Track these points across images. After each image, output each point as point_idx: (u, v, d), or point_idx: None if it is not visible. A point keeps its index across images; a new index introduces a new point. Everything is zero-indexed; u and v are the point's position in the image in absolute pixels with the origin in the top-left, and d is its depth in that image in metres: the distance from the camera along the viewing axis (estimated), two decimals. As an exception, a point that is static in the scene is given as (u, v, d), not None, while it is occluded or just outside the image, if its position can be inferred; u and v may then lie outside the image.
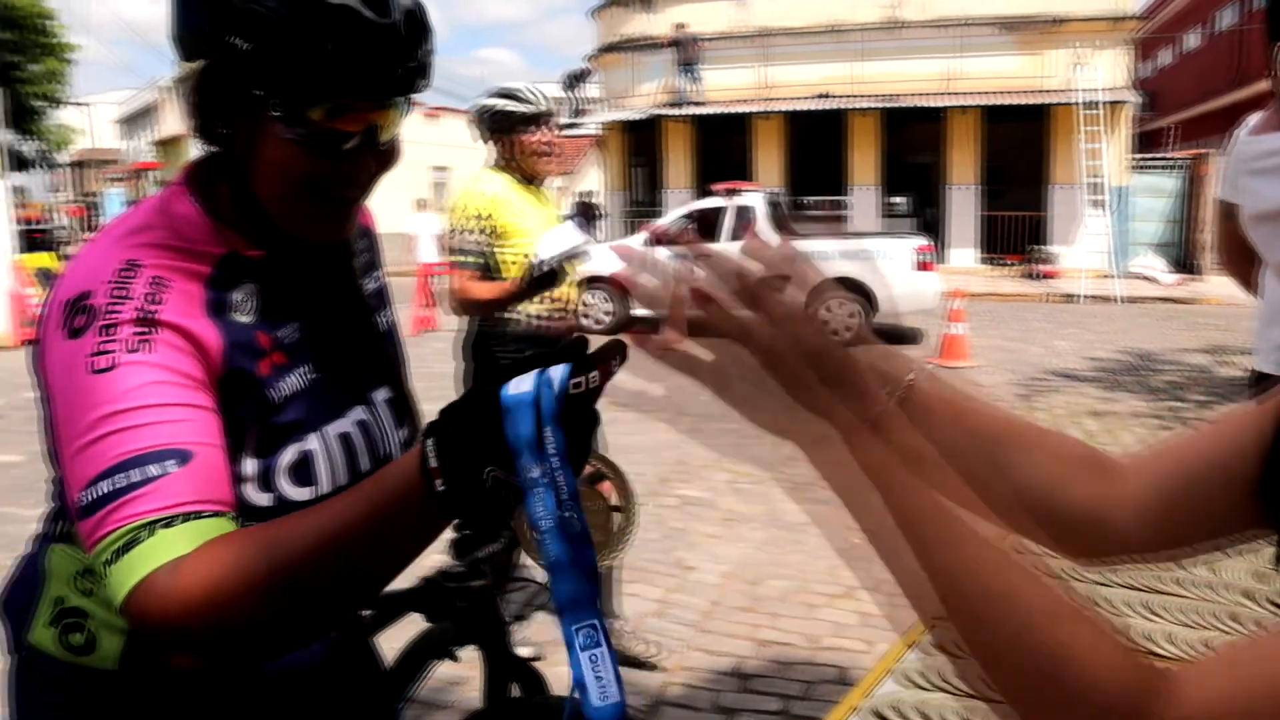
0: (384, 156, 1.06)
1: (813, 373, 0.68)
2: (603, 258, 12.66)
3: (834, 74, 19.80)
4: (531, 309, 3.20)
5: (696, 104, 20.19)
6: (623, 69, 21.86)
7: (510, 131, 3.18)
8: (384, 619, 1.40)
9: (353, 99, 0.98)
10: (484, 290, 3.10)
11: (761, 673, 3.47)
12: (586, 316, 12.44)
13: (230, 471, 0.94)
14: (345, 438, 1.11)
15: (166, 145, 44.90)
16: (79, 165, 60.18)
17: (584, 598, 0.77)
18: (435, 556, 1.53)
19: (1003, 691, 0.61)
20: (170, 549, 0.82)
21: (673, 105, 20.24)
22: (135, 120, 54.15)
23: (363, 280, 1.24)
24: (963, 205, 19.99)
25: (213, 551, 0.83)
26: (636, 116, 20.76)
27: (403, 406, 1.21)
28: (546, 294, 3.13)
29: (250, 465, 1.03)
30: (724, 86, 20.32)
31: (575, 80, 22.37)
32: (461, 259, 3.14)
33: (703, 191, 17.30)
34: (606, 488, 1.04)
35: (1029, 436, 0.86)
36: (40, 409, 0.96)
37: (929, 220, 20.38)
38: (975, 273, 18.76)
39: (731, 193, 12.58)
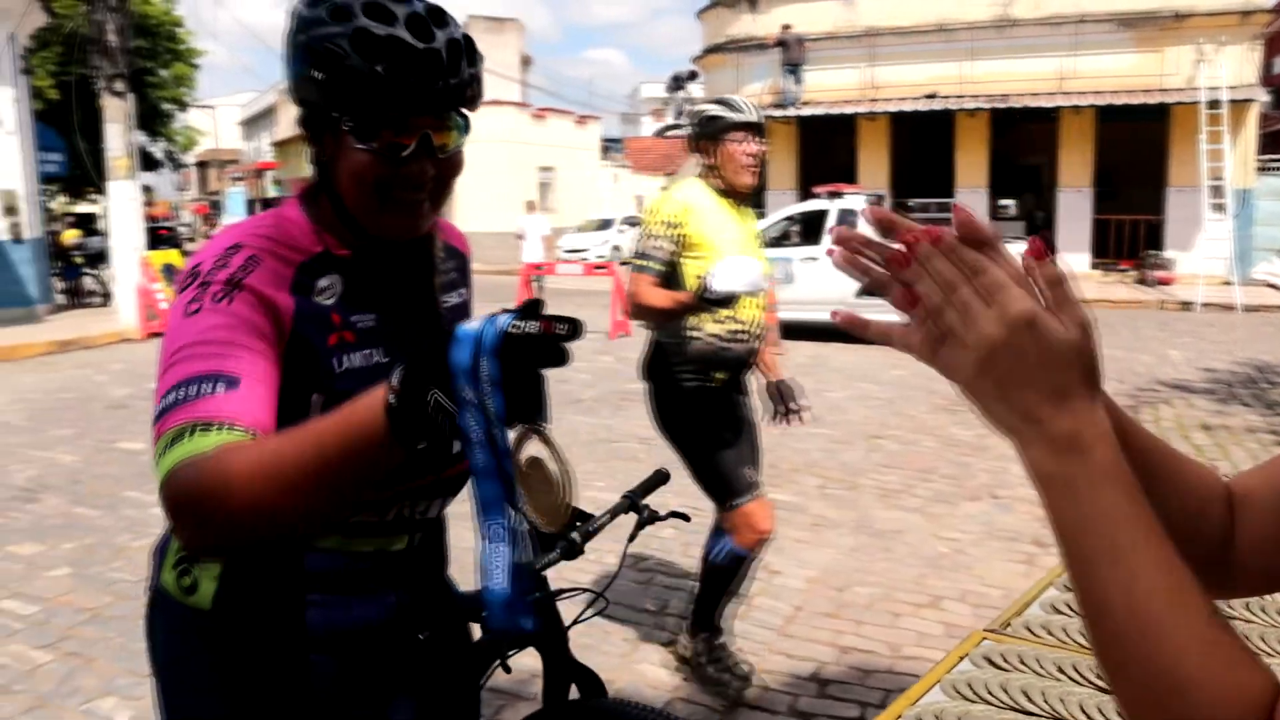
0: (444, 165, 1.24)
1: (1073, 375, 0.65)
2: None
3: (942, 74, 19.45)
4: (712, 328, 3.15)
5: (802, 104, 20.07)
6: (727, 70, 21.85)
7: (717, 138, 3.13)
8: (444, 631, 1.47)
9: (405, 113, 1.17)
10: (657, 298, 3.08)
11: (841, 679, 3.49)
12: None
13: (274, 405, 1.10)
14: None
15: (284, 146, 46.42)
16: (203, 165, 62.75)
17: (497, 500, 0.96)
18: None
19: (1124, 705, 0.64)
20: (198, 448, 1.00)
21: (776, 106, 20.14)
22: (256, 122, 56.16)
23: (443, 295, 1.41)
24: (1075, 208, 19.41)
25: (222, 455, 0.99)
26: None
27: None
28: (728, 314, 3.10)
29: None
30: (829, 87, 20.15)
31: (680, 82, 22.46)
32: (643, 263, 3.12)
33: (806, 194, 17.19)
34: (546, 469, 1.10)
35: (1174, 464, 0.85)
36: None
37: (1039, 224, 19.86)
38: (1087, 278, 18.22)
39: (834, 195, 12.50)
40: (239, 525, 0.98)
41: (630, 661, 3.62)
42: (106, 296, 16.51)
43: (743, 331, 3.19)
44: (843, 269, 0.71)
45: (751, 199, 3.31)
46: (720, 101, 3.20)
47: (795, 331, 11.76)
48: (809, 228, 13.12)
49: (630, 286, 3.16)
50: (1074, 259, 19.22)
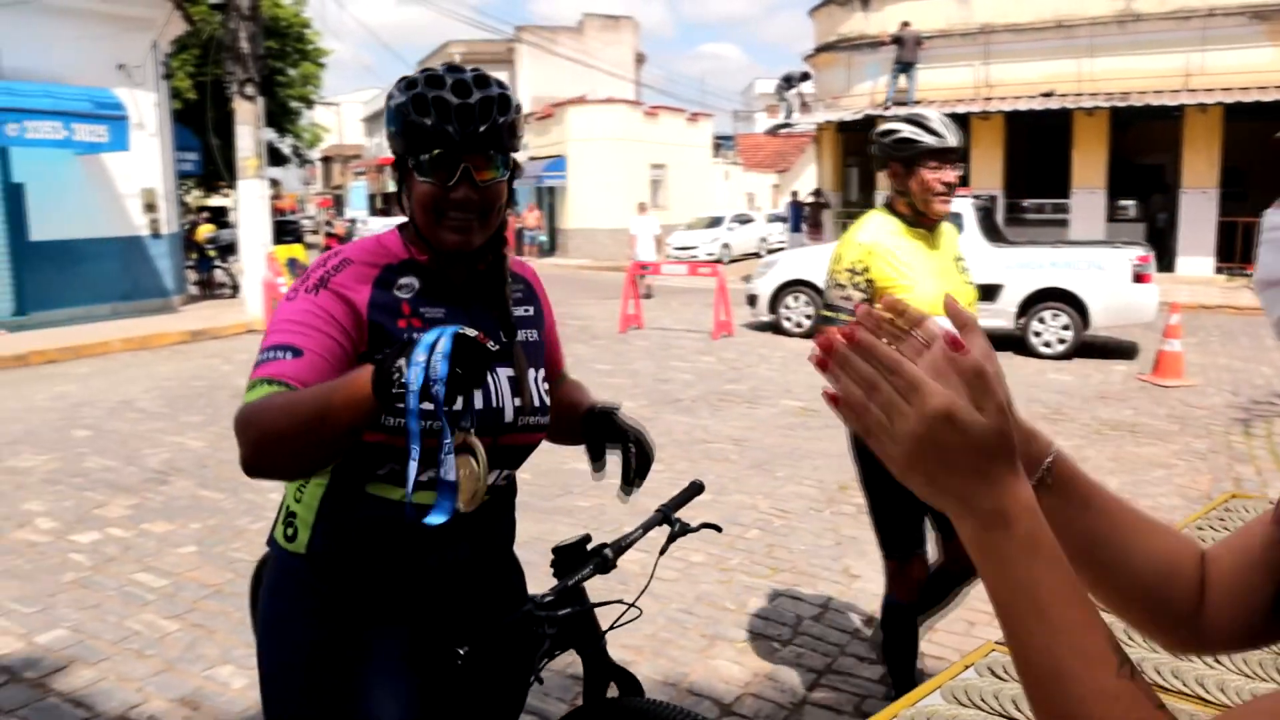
0: (485, 193, 1.56)
1: (983, 456, 0.71)
2: (804, 260, 12.78)
3: (1059, 71, 18.97)
4: None
5: (914, 103, 19.82)
6: (838, 68, 21.72)
7: (911, 164, 2.89)
8: (485, 645, 1.64)
9: (451, 153, 1.52)
10: None
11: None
12: (788, 320, 12.56)
13: (324, 372, 1.46)
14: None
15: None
16: (327, 160, 64.91)
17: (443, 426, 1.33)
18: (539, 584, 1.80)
19: None
20: (257, 394, 1.42)
21: (888, 105, 19.95)
22: (377, 118, 57.77)
23: (514, 305, 1.74)
24: (1198, 210, 18.69)
25: (267, 397, 1.40)
26: (851, 117, 20.56)
27: (517, 383, 1.69)
28: None
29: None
30: (941, 86, 19.85)
31: (791, 81, 22.40)
32: (833, 315, 2.90)
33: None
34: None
35: (1143, 528, 0.89)
36: None
37: (1160, 226, 19.21)
38: (1210, 283, 17.56)
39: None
40: (264, 443, 1.38)
41: (706, 656, 3.78)
42: (235, 288, 17.40)
43: None
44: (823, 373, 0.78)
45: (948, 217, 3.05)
46: (914, 122, 2.91)
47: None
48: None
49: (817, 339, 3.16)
50: (1196, 263, 18.54)
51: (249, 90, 13.87)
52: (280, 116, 32.27)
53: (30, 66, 13.38)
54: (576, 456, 6.61)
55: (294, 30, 31.76)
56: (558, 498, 5.66)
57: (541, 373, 1.77)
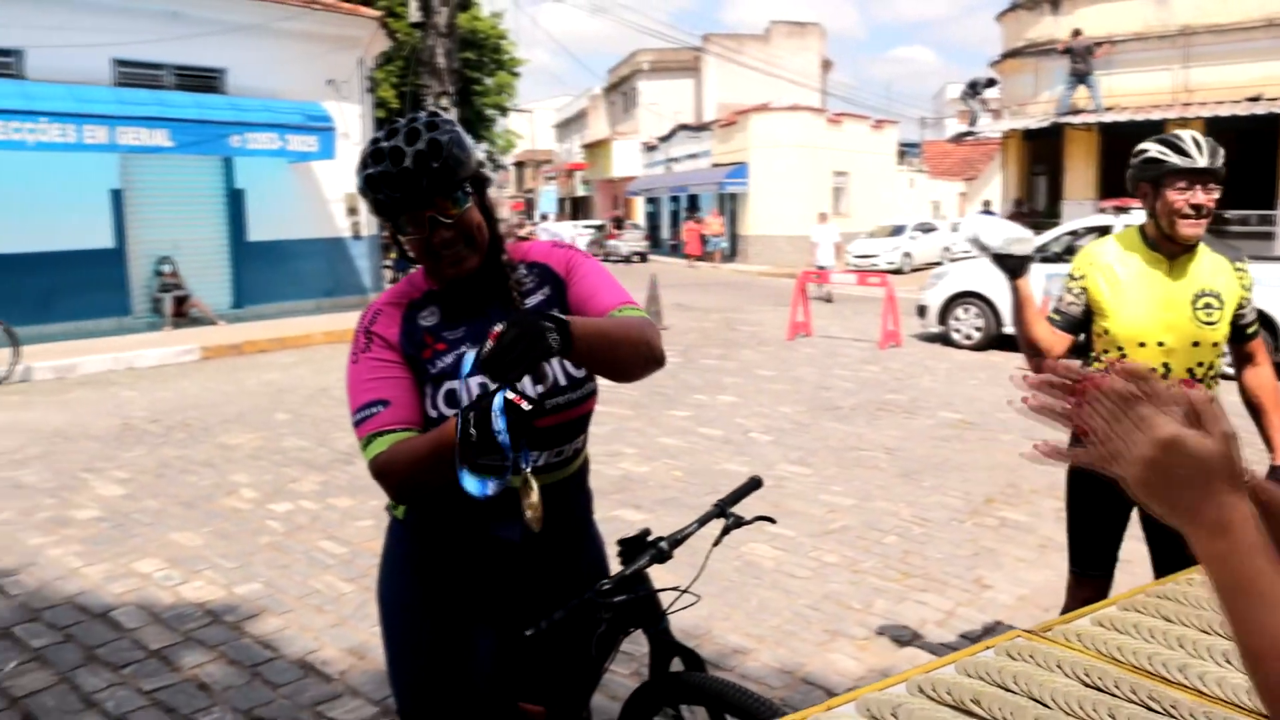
0: (459, 225, 1.79)
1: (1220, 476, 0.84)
2: (975, 271, 12.57)
3: (1269, 74, 17.80)
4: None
5: (1103, 110, 19.05)
6: (1025, 74, 21.06)
7: (1158, 184, 2.80)
8: (550, 628, 1.84)
9: (410, 212, 1.76)
10: (1038, 333, 2.95)
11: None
12: (957, 331, 12.41)
13: (416, 404, 1.82)
14: (484, 384, 1.78)
15: (593, 148, 48.96)
16: (520, 165, 67.34)
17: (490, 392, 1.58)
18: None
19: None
20: (378, 448, 1.76)
21: (1073, 113, 19.23)
22: (568, 125, 59.50)
23: (526, 299, 1.93)
24: None
25: (392, 449, 1.75)
26: (1037, 124, 19.95)
27: (543, 371, 1.87)
28: (1100, 370, 3.04)
29: (429, 398, 1.86)
30: (1136, 91, 18.96)
31: (976, 88, 21.89)
32: (1055, 318, 2.98)
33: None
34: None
35: None
36: None
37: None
38: None
39: (1120, 210, 11.94)
40: (401, 484, 1.76)
41: (825, 650, 3.97)
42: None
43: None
44: (1038, 415, 1.00)
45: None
46: (1164, 141, 2.80)
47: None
48: (1098, 243, 12.60)
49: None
50: None
51: (443, 103, 14.76)
52: (476, 123, 33.80)
53: (252, 84, 14.73)
54: (729, 457, 6.87)
55: (491, 41, 33.21)
56: (705, 496, 5.92)
57: None
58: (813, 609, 4.36)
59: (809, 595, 4.50)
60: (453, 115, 15.03)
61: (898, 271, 26.13)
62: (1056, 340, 2.97)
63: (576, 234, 34.74)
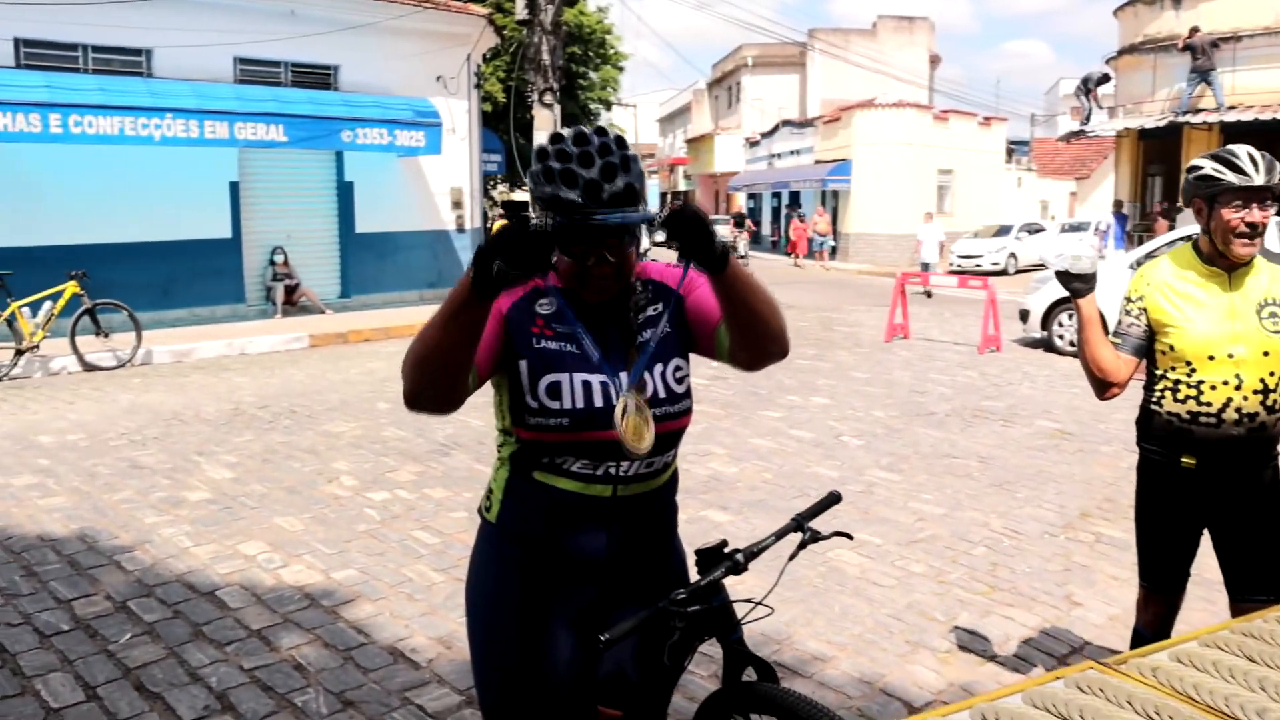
0: (620, 262, 1.87)
1: None
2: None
3: None
4: (1170, 404, 2.90)
5: (1225, 109, 18.29)
6: (1143, 71, 20.34)
7: (1212, 202, 2.76)
8: (624, 635, 1.87)
9: (589, 242, 1.84)
10: (1102, 356, 2.92)
11: None
12: (1060, 338, 12.10)
13: (486, 355, 1.87)
14: (586, 384, 1.94)
15: (695, 143, 48.93)
16: (624, 159, 67.41)
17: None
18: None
19: None
20: None
21: (1193, 111, 18.49)
22: (671, 119, 59.55)
23: (641, 311, 2.02)
24: None
25: None
26: (1154, 123, 19.26)
27: (644, 382, 1.97)
28: (1189, 391, 2.85)
29: (526, 381, 1.93)
30: (1261, 89, 18.12)
31: (1089, 85, 21.22)
32: (1117, 342, 2.93)
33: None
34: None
35: None
36: None
37: None
38: None
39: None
40: (408, 367, 1.78)
41: (906, 661, 3.95)
42: (526, 281, 18.71)
43: (1209, 415, 2.84)
44: None
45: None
46: (1219, 158, 2.76)
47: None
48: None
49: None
50: None
51: (547, 99, 14.98)
52: (580, 118, 34.05)
53: (364, 80, 15.18)
54: (819, 460, 6.88)
55: (596, 36, 33.44)
56: (794, 499, 5.92)
57: (674, 364, 2.02)
58: (895, 619, 4.34)
59: (892, 605, 4.49)
60: (555, 113, 15.26)
61: (1002, 273, 25.53)
62: (1122, 364, 2.94)
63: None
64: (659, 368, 2.02)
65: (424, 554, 5.04)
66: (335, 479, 6.37)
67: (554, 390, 1.93)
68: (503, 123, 23.91)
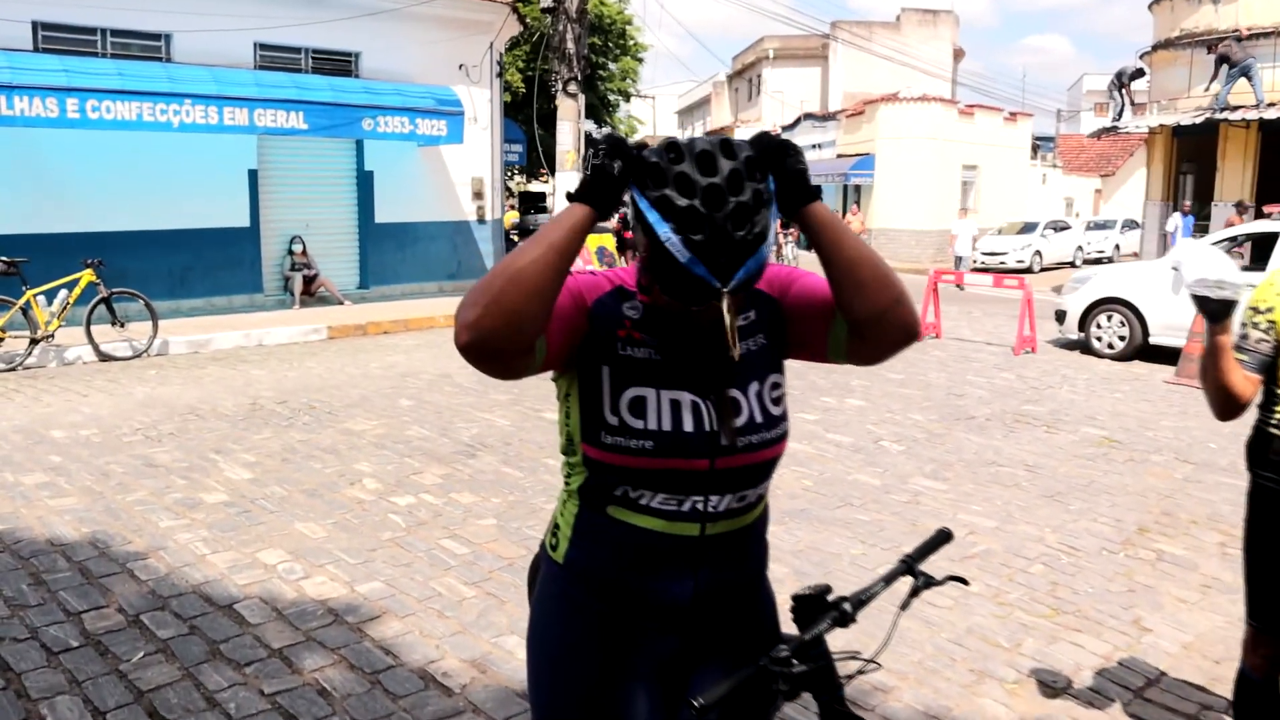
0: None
1: None
2: (1121, 277, 11.90)
3: None
4: None
5: (1265, 105, 17.86)
6: (1178, 67, 19.91)
7: None
8: (719, 700, 1.63)
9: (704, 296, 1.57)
10: (1234, 382, 2.62)
11: (1196, 756, 3.33)
12: (1098, 340, 11.78)
13: (559, 342, 1.62)
14: (675, 403, 1.68)
15: (715, 135, 48.56)
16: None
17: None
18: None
19: None
20: None
21: (1230, 108, 18.08)
22: (691, 111, 59.24)
23: (739, 321, 1.73)
24: None
25: None
26: (1190, 120, 18.83)
27: (736, 404, 1.72)
28: None
29: (606, 393, 1.68)
30: (1303, 87, 17.75)
31: (1123, 79, 20.80)
32: (1240, 358, 2.64)
33: (1259, 210, 15.40)
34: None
35: None
36: None
37: None
38: None
39: (1291, 216, 11.12)
40: (478, 294, 1.49)
41: (972, 693, 3.68)
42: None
43: None
44: None
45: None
46: None
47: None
48: (1258, 251, 11.78)
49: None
50: None
51: (571, 88, 14.69)
52: (599, 109, 33.83)
53: (384, 67, 14.92)
54: (860, 467, 6.59)
55: (617, 27, 33.16)
56: (837, 509, 5.65)
57: (770, 382, 1.77)
58: (956, 644, 4.06)
59: (951, 629, 4.21)
60: (579, 102, 14.98)
61: (1027, 271, 25.13)
62: (1249, 385, 2.65)
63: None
64: (754, 386, 1.74)
65: (453, 565, 4.78)
66: (358, 481, 6.12)
67: (638, 406, 1.67)
68: (521, 113, 23.66)
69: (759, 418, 1.72)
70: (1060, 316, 12.41)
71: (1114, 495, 6.19)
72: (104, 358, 10.36)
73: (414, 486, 6.02)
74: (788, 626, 1.92)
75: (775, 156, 1.58)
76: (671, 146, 1.57)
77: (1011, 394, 9.41)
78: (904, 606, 1.91)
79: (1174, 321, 10.80)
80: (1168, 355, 11.13)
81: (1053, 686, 3.75)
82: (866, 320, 1.63)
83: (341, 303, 14.57)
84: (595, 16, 28.82)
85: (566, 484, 1.83)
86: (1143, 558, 5.13)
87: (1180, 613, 4.47)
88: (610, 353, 1.68)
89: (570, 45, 14.21)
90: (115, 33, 12.80)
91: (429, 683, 3.60)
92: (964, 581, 2.02)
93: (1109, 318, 11.67)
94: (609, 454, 1.68)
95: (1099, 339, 11.76)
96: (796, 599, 1.80)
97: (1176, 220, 19.52)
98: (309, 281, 14.40)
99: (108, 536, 5.02)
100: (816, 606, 1.79)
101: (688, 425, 1.67)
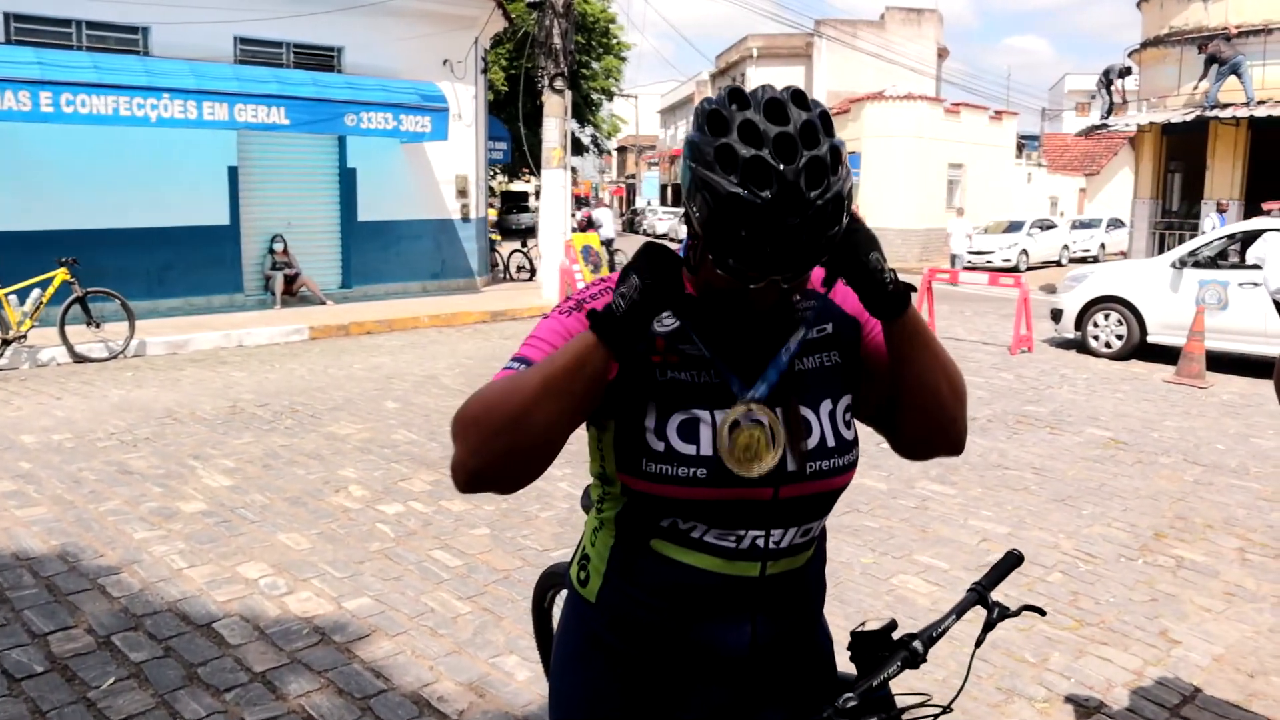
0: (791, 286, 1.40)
1: None
2: (1118, 275, 11.74)
3: None
4: None
5: (1256, 102, 17.79)
6: (1168, 65, 19.82)
7: None
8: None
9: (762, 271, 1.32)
10: None
11: (1246, 782, 3.13)
12: (1095, 339, 11.62)
13: None
14: (733, 424, 1.42)
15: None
16: (623, 150, 67.14)
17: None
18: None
19: None
20: None
21: (1220, 106, 17.99)
22: (673, 110, 58.99)
23: (798, 331, 1.50)
24: None
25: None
26: (1179, 118, 18.74)
27: (807, 424, 1.48)
28: None
29: (651, 420, 1.42)
30: (1293, 83, 17.67)
31: (1111, 77, 20.71)
32: None
33: (1251, 208, 15.29)
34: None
35: None
36: None
37: None
38: None
39: (1288, 213, 10.98)
40: (472, 427, 1.29)
41: (1001, 713, 3.47)
42: (533, 272, 18.25)
43: None
44: None
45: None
46: None
47: (1226, 364, 10.53)
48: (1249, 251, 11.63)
49: None
50: None
51: (558, 84, 14.44)
52: (582, 108, 33.65)
53: (367, 62, 14.62)
54: (863, 470, 6.38)
55: (600, 25, 32.99)
56: (844, 515, 5.45)
57: (843, 403, 1.53)
58: (981, 659, 3.85)
59: (973, 642, 3.98)
60: (566, 99, 14.74)
61: (1014, 270, 25.03)
62: None
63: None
64: (825, 405, 1.50)
65: (446, 578, 4.52)
66: (343, 488, 5.85)
67: (689, 431, 1.42)
68: (504, 111, 23.41)
69: (831, 441, 1.48)
70: (1056, 315, 12.25)
71: (1125, 499, 6.00)
72: (78, 359, 10.04)
73: (402, 494, 5.76)
74: (842, 662, 1.70)
75: (851, 257, 1.36)
76: (735, 94, 1.32)
77: (1012, 394, 9.23)
78: (979, 642, 1.69)
79: (1172, 320, 10.67)
80: (1166, 354, 10.99)
81: (1085, 706, 3.55)
82: (915, 441, 1.55)
83: (324, 302, 14.27)
84: (579, 15, 28.63)
85: (600, 511, 1.58)
86: (1162, 565, 4.94)
87: (1206, 623, 4.28)
88: (649, 383, 1.44)
89: (557, 40, 13.96)
90: (91, 24, 12.47)
91: (423, 708, 3.35)
92: (1040, 612, 1.79)
93: (1106, 316, 11.52)
94: (652, 484, 1.43)
95: (1096, 338, 11.61)
96: (856, 635, 1.58)
97: (1214, 220, 19.33)
98: (290, 281, 14.10)
99: (78, 549, 4.74)
100: (880, 644, 1.57)
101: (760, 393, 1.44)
